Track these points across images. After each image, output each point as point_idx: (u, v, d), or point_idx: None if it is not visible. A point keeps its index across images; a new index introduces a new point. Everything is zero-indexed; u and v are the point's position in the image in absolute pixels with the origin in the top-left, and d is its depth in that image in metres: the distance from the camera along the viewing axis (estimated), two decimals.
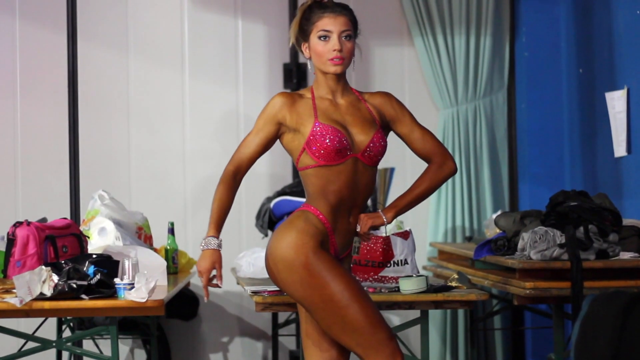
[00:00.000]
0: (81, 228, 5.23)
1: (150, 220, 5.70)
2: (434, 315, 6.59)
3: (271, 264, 3.74)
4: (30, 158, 6.62)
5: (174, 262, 5.51)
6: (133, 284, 4.19)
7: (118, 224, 5.30)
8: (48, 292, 4.12)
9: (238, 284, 5.42)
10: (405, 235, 4.50)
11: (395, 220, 5.64)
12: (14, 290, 4.28)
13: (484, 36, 6.72)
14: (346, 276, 3.68)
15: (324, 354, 3.80)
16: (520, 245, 4.85)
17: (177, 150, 6.72)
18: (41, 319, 5.78)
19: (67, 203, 5.75)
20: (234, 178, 3.80)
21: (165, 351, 6.49)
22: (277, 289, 4.28)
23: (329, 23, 3.79)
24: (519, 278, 4.72)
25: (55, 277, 4.15)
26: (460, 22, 6.69)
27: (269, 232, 6.11)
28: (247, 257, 5.29)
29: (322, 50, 3.79)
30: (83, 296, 4.17)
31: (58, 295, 4.13)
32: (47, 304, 4.14)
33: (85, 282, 4.17)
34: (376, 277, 4.41)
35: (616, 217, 4.85)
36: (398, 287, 4.36)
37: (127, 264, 4.28)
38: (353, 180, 3.78)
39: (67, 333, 5.97)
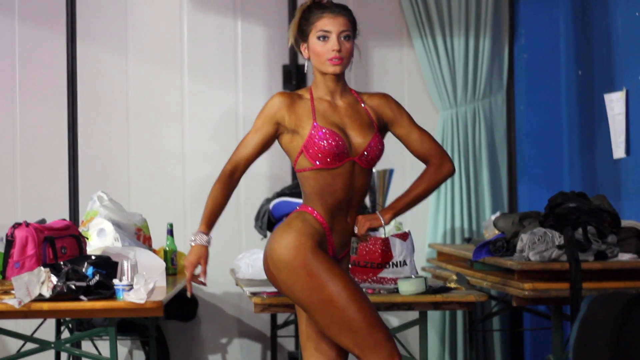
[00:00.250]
0: (80, 229, 5.23)
1: (149, 222, 5.70)
2: (433, 316, 6.59)
3: (269, 265, 3.74)
4: (29, 159, 6.62)
5: (172, 263, 5.51)
6: (132, 285, 4.19)
7: (117, 225, 5.30)
8: (47, 293, 4.12)
9: (237, 285, 5.43)
10: (404, 236, 4.51)
11: (394, 221, 5.66)
12: (12, 292, 4.28)
13: (483, 38, 6.72)
14: (344, 276, 3.68)
15: (322, 354, 3.80)
16: (519, 246, 4.85)
17: (177, 151, 6.72)
18: (40, 320, 5.79)
19: (66, 204, 5.75)
20: (230, 177, 3.80)
21: (164, 352, 6.48)
22: (276, 290, 4.28)
23: (328, 23, 3.79)
24: (518, 279, 4.72)
25: (54, 278, 4.15)
26: (460, 24, 6.69)
27: (268, 234, 6.11)
28: (246, 258, 5.30)
29: (321, 50, 3.79)
30: (82, 297, 4.17)
31: (57, 296, 4.13)
32: (45, 305, 4.14)
33: (84, 283, 4.18)
34: (375, 278, 4.41)
35: (615, 219, 4.86)
36: (397, 288, 4.36)
37: (126, 265, 4.28)
38: (350, 183, 3.78)
39: (66, 334, 5.97)
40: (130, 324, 6.16)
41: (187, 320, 6.64)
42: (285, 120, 3.78)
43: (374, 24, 6.76)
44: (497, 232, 5.34)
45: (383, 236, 4.29)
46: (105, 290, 4.21)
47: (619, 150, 5.71)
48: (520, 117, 6.78)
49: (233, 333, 6.77)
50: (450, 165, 3.90)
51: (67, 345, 4.70)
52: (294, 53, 6.67)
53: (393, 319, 6.71)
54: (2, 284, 4.61)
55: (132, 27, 6.70)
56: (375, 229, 3.90)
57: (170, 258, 5.50)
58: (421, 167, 3.93)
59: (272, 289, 4.43)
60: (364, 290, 3.99)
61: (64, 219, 5.06)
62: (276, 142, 3.85)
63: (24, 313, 4.16)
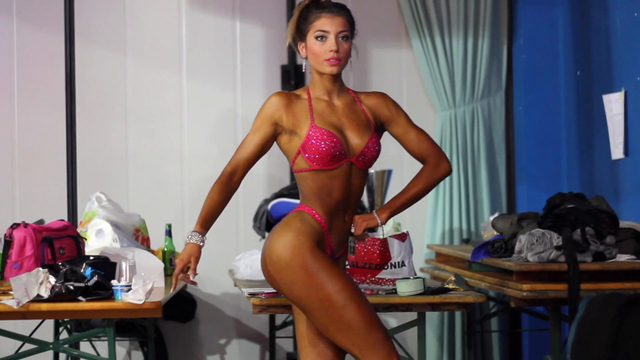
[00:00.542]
0: (78, 230, 5.22)
1: (147, 222, 5.70)
2: (431, 317, 6.59)
3: (268, 265, 3.73)
4: (27, 159, 6.62)
5: (171, 264, 5.51)
6: (130, 285, 4.19)
7: (115, 226, 5.30)
8: (45, 293, 4.12)
9: (235, 286, 5.42)
10: (403, 237, 4.50)
11: (392, 222, 5.66)
12: (11, 292, 4.28)
13: (482, 38, 6.72)
14: (343, 276, 3.68)
15: (320, 355, 3.80)
16: (517, 247, 4.85)
17: (175, 152, 6.72)
18: (38, 321, 5.78)
19: (64, 205, 5.75)
20: (229, 179, 3.79)
21: (163, 353, 6.48)
22: (274, 291, 4.28)
23: (327, 23, 3.79)
24: (516, 280, 4.72)
25: (52, 279, 4.14)
26: (458, 25, 6.69)
27: (267, 234, 6.11)
28: (245, 259, 5.30)
29: (318, 50, 3.79)
30: (80, 298, 4.17)
31: (55, 297, 4.13)
32: (44, 306, 4.14)
33: (82, 284, 4.17)
34: (373, 279, 4.40)
35: (613, 220, 4.85)
36: (395, 289, 4.36)
37: (124, 266, 4.28)
38: (347, 183, 3.78)
39: (64, 335, 5.96)
40: (129, 325, 6.15)
41: (185, 321, 6.64)
42: (283, 121, 3.78)
43: (373, 24, 6.76)
44: (495, 233, 5.34)
45: (381, 237, 4.28)
46: (103, 291, 4.21)
47: (617, 151, 5.71)
48: (519, 118, 6.78)
49: (231, 334, 6.77)
50: (448, 165, 3.90)
51: (66, 345, 4.70)
52: (292, 53, 6.67)
53: (391, 320, 6.71)
54: (1, 284, 4.60)
55: (131, 27, 6.70)
56: (372, 229, 3.90)
57: (169, 259, 5.50)
58: (419, 167, 3.93)
59: (271, 290, 4.43)
60: (362, 290, 3.99)
61: (63, 220, 5.05)
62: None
63: (22, 314, 4.16)
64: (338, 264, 3.82)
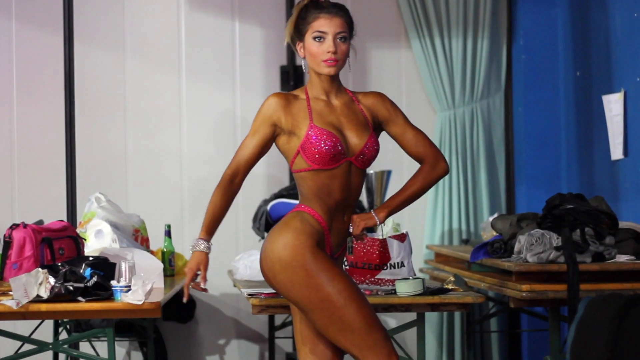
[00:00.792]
0: (78, 230, 5.22)
1: (147, 223, 5.70)
2: (431, 317, 6.59)
3: (267, 264, 3.73)
4: (27, 160, 6.61)
5: (170, 264, 5.51)
6: (130, 286, 4.19)
7: (115, 227, 5.30)
8: (45, 294, 4.12)
9: (235, 286, 5.42)
10: (402, 237, 4.50)
11: (392, 222, 5.65)
12: (10, 293, 4.29)
13: (482, 39, 6.72)
14: (344, 277, 3.68)
15: (319, 355, 3.80)
16: (516, 247, 4.85)
17: (174, 153, 6.72)
18: (38, 321, 5.78)
19: (63, 205, 5.75)
20: (230, 182, 3.79)
21: (162, 353, 6.48)
22: (274, 291, 4.28)
23: (325, 24, 3.78)
24: (516, 281, 4.72)
25: (51, 280, 4.15)
26: (458, 25, 6.69)
27: (266, 235, 6.11)
28: (244, 259, 5.29)
29: (316, 51, 3.79)
30: (80, 298, 4.17)
31: (55, 297, 4.14)
32: (43, 306, 4.14)
33: (81, 285, 4.18)
34: (373, 279, 4.41)
35: (612, 220, 4.85)
36: (394, 290, 4.36)
37: (123, 267, 4.28)
38: (347, 183, 3.78)
39: (63, 335, 5.96)
40: (128, 325, 6.15)
41: (185, 322, 6.63)
42: (281, 122, 3.78)
43: (372, 25, 6.76)
44: (494, 233, 5.34)
45: (381, 237, 4.29)
46: (103, 291, 4.21)
47: (617, 152, 5.71)
48: (519, 119, 6.78)
49: (231, 334, 6.76)
50: (445, 165, 3.91)
51: (65, 346, 4.70)
52: (291, 54, 6.67)
53: (391, 320, 6.71)
54: (0, 285, 4.61)
55: (130, 28, 6.70)
56: (371, 228, 3.90)
57: (168, 259, 5.51)
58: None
59: (270, 290, 4.43)
60: (362, 291, 3.99)
61: (62, 220, 5.06)
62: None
63: (21, 314, 4.16)
64: (337, 264, 3.81)
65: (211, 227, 3.76)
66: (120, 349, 6.65)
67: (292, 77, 6.71)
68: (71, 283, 4.16)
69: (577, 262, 4.62)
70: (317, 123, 3.76)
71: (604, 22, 5.93)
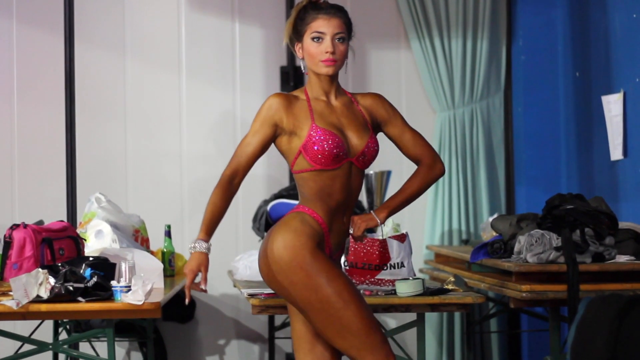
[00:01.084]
0: (78, 231, 5.22)
1: (147, 223, 5.70)
2: (431, 318, 6.59)
3: (267, 265, 3.72)
4: (27, 160, 6.62)
5: (170, 264, 5.51)
6: (130, 286, 4.20)
7: (115, 227, 5.30)
8: (45, 294, 4.12)
9: (234, 286, 5.42)
10: (402, 238, 4.50)
11: (392, 222, 5.66)
12: (10, 293, 4.29)
13: (481, 39, 6.72)
14: (343, 278, 3.68)
15: (317, 355, 3.80)
16: (516, 248, 4.85)
17: (174, 153, 6.72)
18: (38, 322, 5.78)
19: (63, 206, 5.75)
20: (230, 182, 3.79)
21: (162, 354, 6.48)
22: (274, 291, 4.28)
23: (323, 25, 3.79)
24: (516, 281, 4.72)
25: (51, 280, 4.15)
26: (457, 25, 6.69)
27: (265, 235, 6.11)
28: (244, 259, 5.30)
29: (314, 51, 3.79)
30: (80, 299, 4.17)
31: (55, 297, 4.14)
32: (43, 307, 4.14)
33: (81, 285, 4.18)
34: (372, 279, 4.40)
35: (612, 220, 4.85)
36: (394, 290, 4.36)
37: (123, 267, 4.28)
38: (347, 183, 3.79)
39: (63, 335, 5.97)
40: (128, 326, 6.15)
41: (184, 322, 6.64)
42: (283, 122, 3.78)
43: (372, 25, 6.76)
44: (494, 233, 5.34)
45: (380, 238, 4.29)
46: (103, 291, 4.22)
47: (616, 152, 5.71)
48: (518, 119, 6.78)
49: (231, 334, 6.77)
50: (442, 166, 3.94)
51: (65, 346, 4.70)
52: (291, 54, 6.67)
53: (390, 321, 6.71)
54: (0, 285, 4.61)
55: (130, 28, 6.70)
56: (371, 229, 3.90)
57: (168, 259, 5.51)
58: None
59: (270, 291, 4.43)
60: (361, 291, 4.00)
61: (62, 221, 5.05)
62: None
63: (21, 314, 4.16)
64: (336, 264, 3.81)
65: (210, 228, 3.76)
66: (120, 349, 6.65)
67: (292, 77, 6.71)
68: (71, 283, 4.16)
69: (577, 262, 4.62)
70: (319, 123, 3.76)
71: (604, 22, 5.94)
